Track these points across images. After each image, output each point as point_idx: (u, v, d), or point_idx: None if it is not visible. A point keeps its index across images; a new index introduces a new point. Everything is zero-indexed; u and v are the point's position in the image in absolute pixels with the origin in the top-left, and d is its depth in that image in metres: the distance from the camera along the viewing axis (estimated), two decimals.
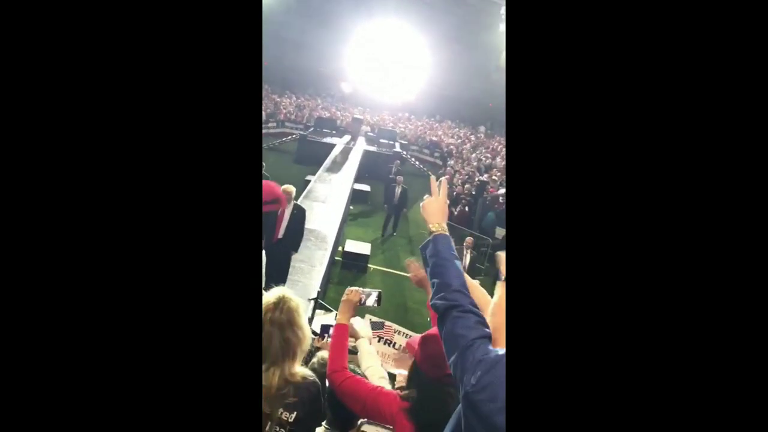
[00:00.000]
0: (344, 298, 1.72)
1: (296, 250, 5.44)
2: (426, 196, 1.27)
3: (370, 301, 1.75)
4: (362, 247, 7.72)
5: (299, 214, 5.42)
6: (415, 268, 1.74)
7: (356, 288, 1.76)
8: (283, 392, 1.30)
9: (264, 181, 5.21)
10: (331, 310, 4.86)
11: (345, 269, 7.36)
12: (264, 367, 1.33)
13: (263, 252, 5.24)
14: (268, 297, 1.43)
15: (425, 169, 15.30)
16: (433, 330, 1.40)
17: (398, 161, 12.46)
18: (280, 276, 5.07)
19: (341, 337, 1.59)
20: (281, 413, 1.29)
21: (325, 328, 2.87)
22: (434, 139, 18.72)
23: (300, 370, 1.39)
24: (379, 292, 1.76)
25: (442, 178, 1.29)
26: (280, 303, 1.41)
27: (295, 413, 1.27)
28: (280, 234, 5.21)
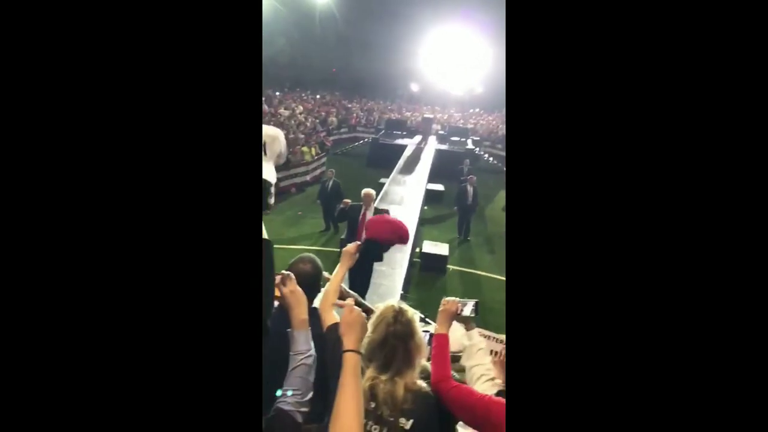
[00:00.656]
0: (441, 308, 1.76)
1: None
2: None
3: (467, 311, 1.78)
4: (440, 248, 7.69)
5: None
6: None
7: (453, 298, 1.80)
8: (404, 401, 1.35)
9: (396, 219, 5.21)
10: (415, 312, 4.91)
11: (424, 271, 7.37)
12: (386, 377, 1.39)
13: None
14: (385, 310, 1.48)
15: (500, 164, 15.00)
16: None
17: (468, 160, 12.03)
18: (363, 279, 5.21)
19: (443, 347, 1.62)
20: (400, 420, 1.36)
21: None
22: None
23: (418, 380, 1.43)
24: (476, 302, 1.79)
25: None
26: (399, 315, 1.46)
27: (411, 420, 1.33)
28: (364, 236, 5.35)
